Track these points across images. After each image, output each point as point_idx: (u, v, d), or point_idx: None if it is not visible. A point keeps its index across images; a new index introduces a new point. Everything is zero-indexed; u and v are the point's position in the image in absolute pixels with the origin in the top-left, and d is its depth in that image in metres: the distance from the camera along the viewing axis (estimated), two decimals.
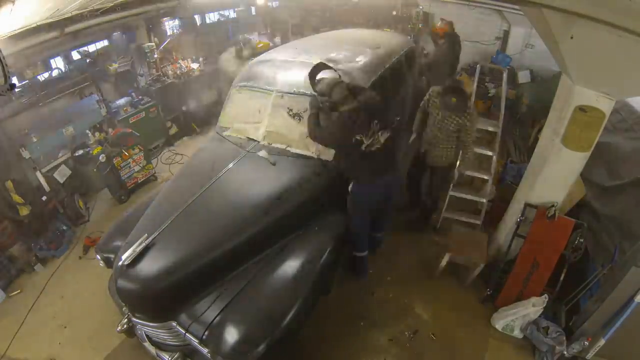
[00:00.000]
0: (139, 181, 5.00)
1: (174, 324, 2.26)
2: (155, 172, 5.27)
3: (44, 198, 4.12)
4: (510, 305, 3.09)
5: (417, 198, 4.24)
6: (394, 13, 8.25)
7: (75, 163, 4.72)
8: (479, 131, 3.99)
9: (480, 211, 4.06)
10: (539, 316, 2.93)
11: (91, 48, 5.25)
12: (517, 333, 3.04)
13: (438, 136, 3.47)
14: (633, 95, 3.09)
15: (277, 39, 7.68)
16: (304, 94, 3.10)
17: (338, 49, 3.70)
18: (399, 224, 4.27)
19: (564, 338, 2.76)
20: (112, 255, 2.71)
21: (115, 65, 5.28)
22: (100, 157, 4.42)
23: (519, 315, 2.96)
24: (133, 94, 5.53)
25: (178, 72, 6.05)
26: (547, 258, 2.98)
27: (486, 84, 6.74)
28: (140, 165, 4.93)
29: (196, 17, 7.01)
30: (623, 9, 1.76)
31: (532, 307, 2.91)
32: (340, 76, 2.95)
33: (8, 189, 3.90)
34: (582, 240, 2.87)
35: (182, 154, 5.88)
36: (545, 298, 2.90)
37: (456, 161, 3.58)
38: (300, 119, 3.08)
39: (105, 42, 5.41)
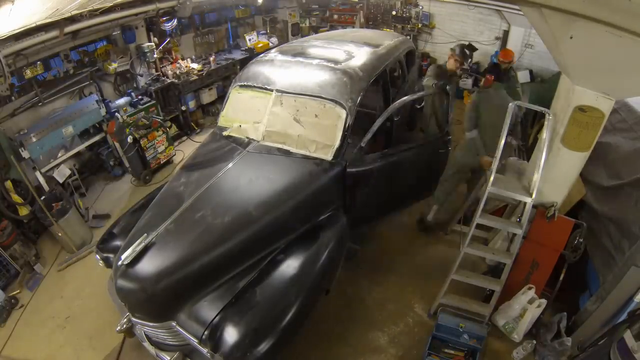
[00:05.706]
0: (162, 162, 5.24)
1: (174, 323, 2.26)
2: (174, 154, 5.51)
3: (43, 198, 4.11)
4: (507, 302, 3.08)
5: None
6: (394, 13, 8.27)
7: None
8: None
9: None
10: (541, 315, 2.93)
11: (91, 48, 5.24)
12: (515, 337, 3.04)
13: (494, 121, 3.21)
14: (633, 95, 3.08)
15: (274, 39, 7.70)
16: (304, 94, 3.10)
17: (339, 47, 3.71)
18: (401, 225, 4.28)
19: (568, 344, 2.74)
20: (111, 255, 2.71)
21: (114, 65, 5.27)
22: (128, 139, 4.39)
23: (518, 307, 2.96)
24: (132, 93, 5.51)
25: (177, 72, 6.04)
26: (547, 258, 2.98)
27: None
28: (164, 146, 5.22)
29: (196, 17, 7.00)
30: (623, 9, 1.76)
31: (528, 303, 2.91)
32: None
33: (8, 189, 3.89)
34: (581, 240, 2.87)
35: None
36: (544, 302, 2.89)
37: None
38: (299, 119, 3.08)
39: (104, 42, 5.41)
